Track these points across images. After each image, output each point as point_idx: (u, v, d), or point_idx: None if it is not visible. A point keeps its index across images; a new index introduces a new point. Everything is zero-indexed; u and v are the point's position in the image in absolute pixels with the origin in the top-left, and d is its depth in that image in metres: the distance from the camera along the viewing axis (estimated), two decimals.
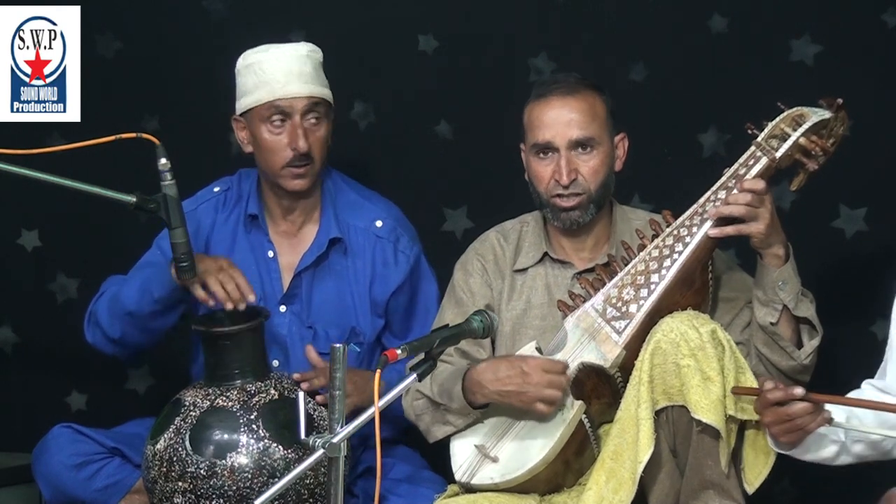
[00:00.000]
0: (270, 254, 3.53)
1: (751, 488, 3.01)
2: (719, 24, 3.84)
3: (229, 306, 3.25)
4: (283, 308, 3.52)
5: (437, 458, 3.39)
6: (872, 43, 3.77)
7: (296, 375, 3.34)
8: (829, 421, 2.82)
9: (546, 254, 3.29)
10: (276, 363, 3.47)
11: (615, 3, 3.93)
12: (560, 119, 3.19)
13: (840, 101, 3.12)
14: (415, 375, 2.86)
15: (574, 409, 3.04)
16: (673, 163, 3.86)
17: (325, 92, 3.46)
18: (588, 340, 3.11)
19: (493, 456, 3.11)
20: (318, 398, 3.30)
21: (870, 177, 3.75)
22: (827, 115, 3.11)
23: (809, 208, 3.72)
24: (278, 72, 3.42)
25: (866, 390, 2.98)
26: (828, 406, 2.84)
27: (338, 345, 2.77)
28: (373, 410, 2.75)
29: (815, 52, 3.79)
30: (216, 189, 3.60)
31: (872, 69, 3.75)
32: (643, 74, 3.89)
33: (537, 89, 3.27)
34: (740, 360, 2.99)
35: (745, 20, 3.84)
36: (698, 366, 2.94)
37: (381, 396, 2.77)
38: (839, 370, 3.66)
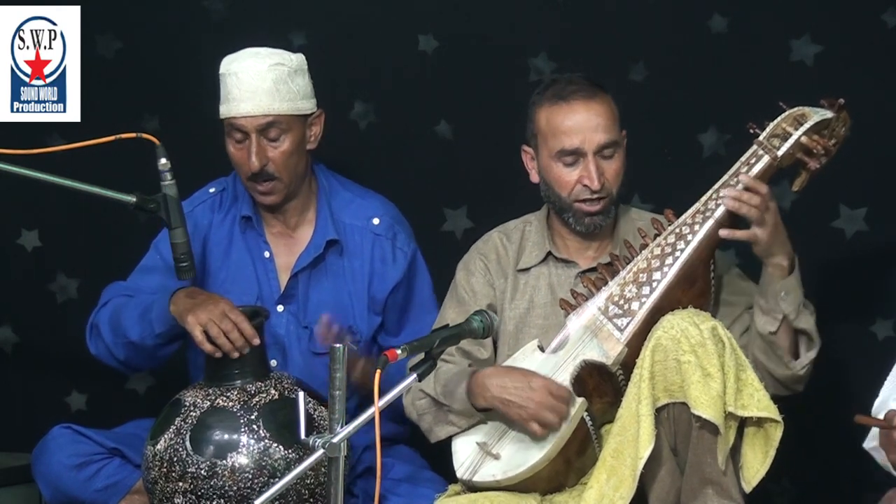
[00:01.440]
0: (266, 254, 3.53)
1: (748, 487, 3.00)
2: (719, 24, 3.84)
3: (235, 355, 3.22)
4: (280, 308, 3.52)
5: (438, 458, 3.39)
6: (872, 43, 3.77)
7: (324, 317, 3.37)
8: None
9: (550, 253, 3.29)
10: (273, 363, 3.46)
11: (615, 3, 3.93)
12: (587, 124, 3.18)
13: (842, 101, 3.13)
14: (415, 375, 2.87)
15: (576, 407, 3.04)
16: (673, 163, 3.86)
17: (283, 107, 3.41)
18: (590, 338, 3.12)
19: (494, 453, 3.11)
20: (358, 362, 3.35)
21: (870, 177, 3.75)
22: (829, 114, 3.12)
23: (809, 208, 3.72)
24: (235, 89, 3.41)
25: None
26: None
27: (338, 345, 2.77)
28: (373, 410, 2.75)
29: (815, 52, 3.79)
30: (212, 190, 3.60)
31: (872, 69, 3.75)
32: (643, 74, 3.89)
33: (552, 92, 3.24)
34: (741, 357, 2.99)
35: (745, 20, 3.83)
36: (699, 362, 2.94)
37: (381, 395, 2.77)
38: (839, 370, 3.66)
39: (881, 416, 2.76)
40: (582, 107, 3.19)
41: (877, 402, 2.96)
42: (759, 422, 2.99)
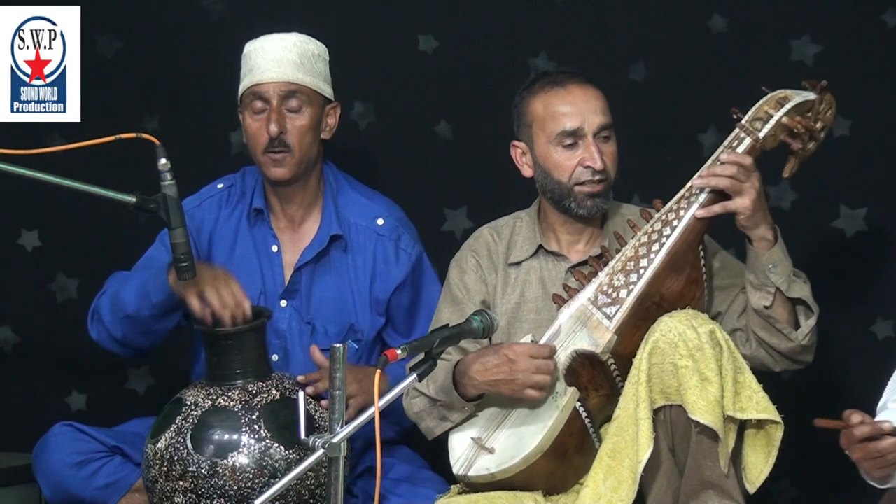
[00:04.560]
0: (274, 248, 3.54)
1: (752, 487, 3.00)
2: (719, 24, 3.84)
3: (226, 315, 3.22)
4: (283, 303, 3.52)
5: (437, 459, 3.39)
6: (872, 43, 3.77)
7: (300, 378, 3.33)
8: None
9: (541, 247, 3.30)
10: (275, 357, 3.46)
11: (615, 3, 3.93)
12: (585, 106, 3.21)
13: (825, 83, 3.13)
14: (415, 375, 2.87)
15: (567, 396, 3.04)
16: (673, 163, 3.86)
17: (307, 80, 3.46)
18: (580, 328, 3.12)
19: (489, 447, 3.11)
20: (323, 403, 3.28)
21: (870, 177, 3.75)
22: (811, 96, 3.13)
23: (809, 208, 3.73)
24: (260, 59, 3.45)
25: None
26: None
27: (338, 345, 2.77)
28: (373, 410, 2.75)
29: (815, 52, 3.79)
30: (220, 185, 3.61)
31: (872, 69, 3.75)
32: (643, 74, 3.89)
33: (545, 80, 3.26)
34: (739, 360, 2.99)
35: (745, 20, 3.84)
36: (696, 366, 2.94)
37: (383, 395, 2.77)
38: (839, 370, 3.66)
39: (881, 418, 2.76)
40: (579, 90, 3.22)
41: (878, 406, 2.96)
42: (760, 423, 2.99)
